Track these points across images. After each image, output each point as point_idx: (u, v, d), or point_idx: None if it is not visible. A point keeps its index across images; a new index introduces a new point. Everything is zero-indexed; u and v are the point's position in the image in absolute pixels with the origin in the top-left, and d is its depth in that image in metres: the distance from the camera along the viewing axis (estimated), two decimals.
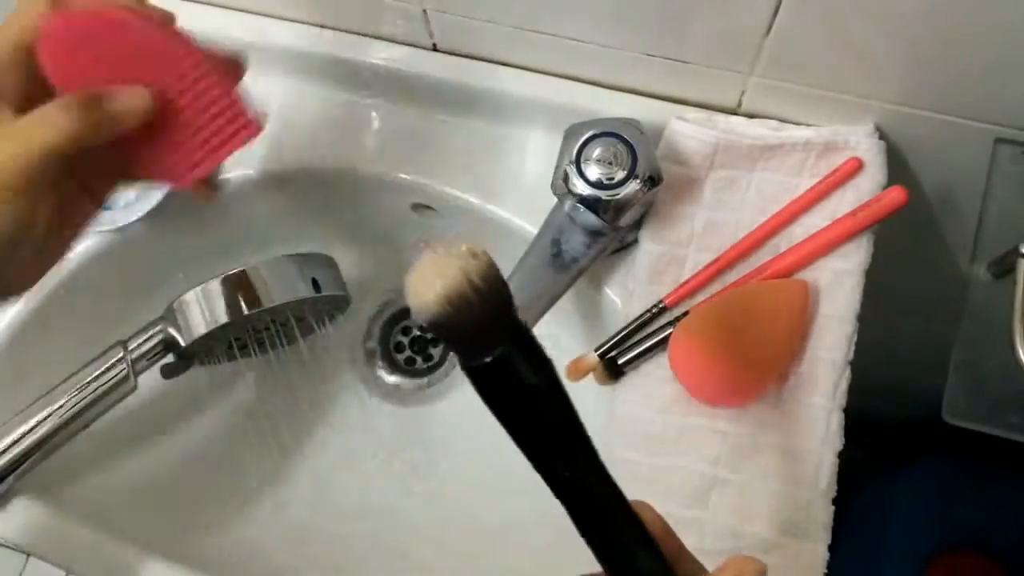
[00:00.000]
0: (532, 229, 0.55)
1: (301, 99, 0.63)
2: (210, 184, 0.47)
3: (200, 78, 0.41)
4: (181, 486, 0.66)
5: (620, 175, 0.49)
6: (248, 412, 0.70)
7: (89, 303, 0.62)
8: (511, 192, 0.60)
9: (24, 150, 0.38)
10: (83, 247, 0.61)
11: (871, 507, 0.82)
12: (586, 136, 0.50)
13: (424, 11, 0.56)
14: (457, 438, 0.70)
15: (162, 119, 0.42)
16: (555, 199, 0.52)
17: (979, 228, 0.48)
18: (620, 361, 0.53)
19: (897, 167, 0.54)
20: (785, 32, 0.47)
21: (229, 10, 0.62)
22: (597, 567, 0.32)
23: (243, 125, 0.42)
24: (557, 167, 0.51)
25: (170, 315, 0.58)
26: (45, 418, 0.54)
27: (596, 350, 0.54)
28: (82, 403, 0.54)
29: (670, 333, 0.52)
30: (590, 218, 0.50)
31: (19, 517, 0.55)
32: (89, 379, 0.55)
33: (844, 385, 0.51)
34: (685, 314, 0.52)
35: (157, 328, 0.58)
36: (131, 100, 0.41)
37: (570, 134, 0.51)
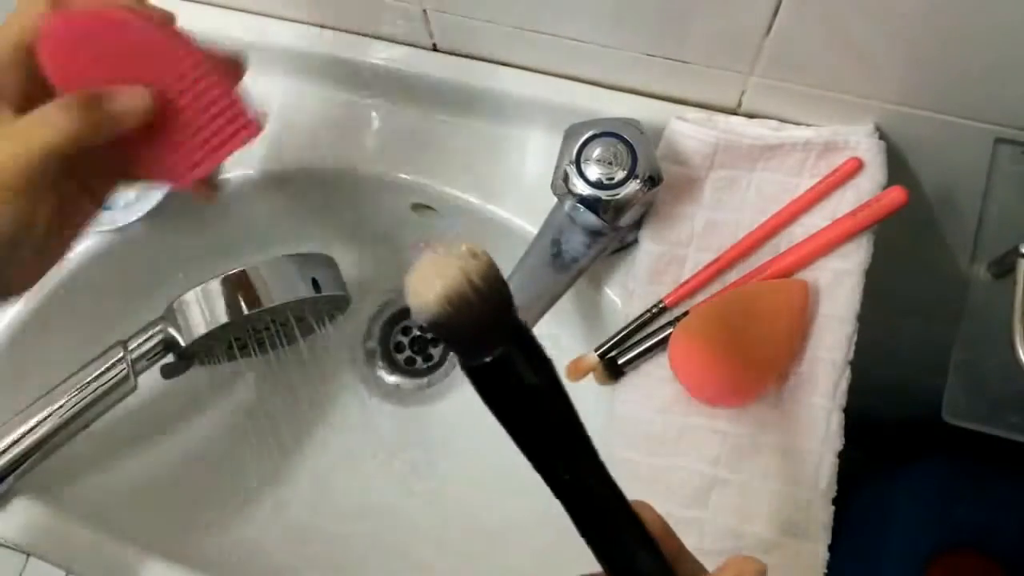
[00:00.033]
0: (532, 229, 0.55)
1: (301, 99, 0.63)
2: (210, 184, 0.47)
3: (200, 78, 0.41)
4: (181, 486, 0.66)
5: (620, 175, 0.49)
6: (248, 412, 0.70)
7: (89, 303, 0.63)
8: (511, 192, 0.60)
9: (24, 150, 0.38)
10: (83, 247, 0.61)
11: (871, 507, 0.82)
12: (586, 136, 0.50)
13: (424, 11, 0.56)
14: (457, 438, 0.70)
15: (162, 119, 0.42)
16: (555, 199, 0.52)
17: (979, 228, 0.48)
18: (620, 361, 0.53)
19: (897, 167, 0.54)
20: (785, 32, 0.47)
21: (229, 10, 0.62)
22: (597, 567, 0.32)
23: (243, 125, 0.42)
24: (557, 167, 0.51)
25: (170, 315, 0.58)
26: (45, 418, 0.54)
27: (596, 350, 0.54)
28: (82, 403, 0.54)
29: (670, 333, 0.52)
30: (590, 218, 0.50)
31: (19, 517, 0.55)
32: (89, 379, 0.55)
33: (844, 385, 0.51)
34: (685, 314, 0.52)
35: (157, 328, 0.58)
36: (131, 100, 0.40)
37: (570, 134, 0.51)
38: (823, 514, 0.50)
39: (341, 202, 0.66)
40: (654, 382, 0.53)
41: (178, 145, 0.43)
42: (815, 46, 0.48)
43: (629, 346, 0.53)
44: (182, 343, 0.57)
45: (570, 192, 0.50)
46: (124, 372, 0.55)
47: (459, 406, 0.71)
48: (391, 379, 0.74)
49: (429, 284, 0.30)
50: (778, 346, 0.50)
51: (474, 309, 0.30)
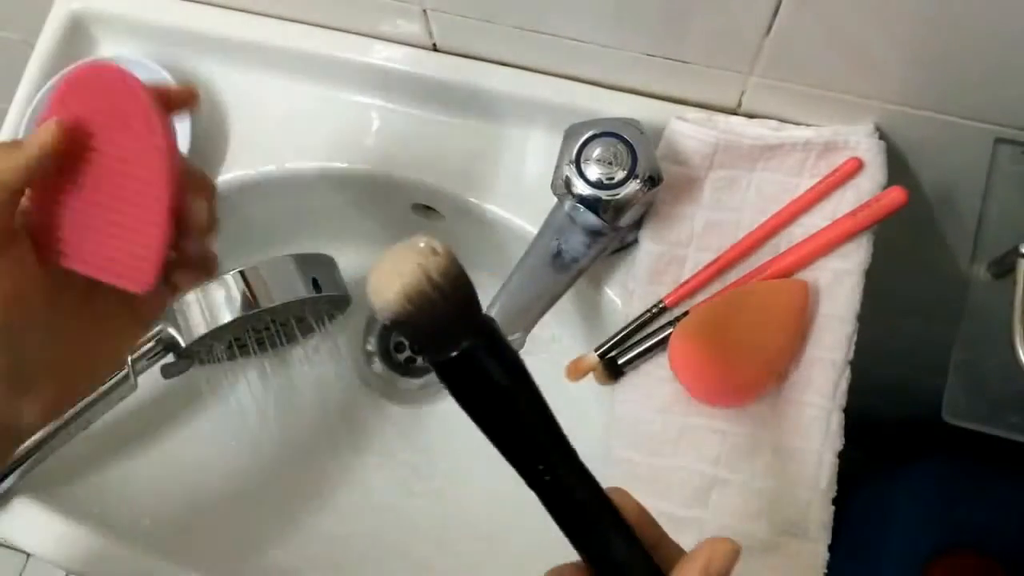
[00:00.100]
0: (532, 229, 0.55)
1: (302, 99, 0.63)
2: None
3: (154, 184, 0.36)
4: (180, 486, 0.66)
5: (620, 175, 0.49)
6: (248, 412, 0.70)
7: None
8: (511, 192, 0.60)
9: None
10: None
11: (871, 507, 0.82)
12: (586, 136, 0.50)
13: (424, 11, 0.56)
14: (457, 438, 0.70)
15: (93, 194, 0.36)
16: (555, 199, 0.52)
17: (979, 228, 0.48)
18: (620, 361, 0.53)
19: (897, 167, 0.54)
20: (785, 32, 0.47)
21: (229, 10, 0.62)
22: None
23: (137, 272, 0.36)
24: (557, 167, 0.51)
25: (170, 315, 0.58)
26: None
27: (596, 350, 0.54)
28: (82, 403, 0.54)
29: (670, 333, 0.52)
30: (590, 218, 0.50)
31: (19, 517, 0.55)
32: None
33: (844, 385, 0.51)
34: (685, 314, 0.52)
35: (157, 328, 0.58)
36: (40, 133, 0.36)
37: (570, 134, 0.51)
38: (823, 514, 0.50)
39: (341, 202, 0.66)
40: (654, 382, 0.53)
41: (82, 226, 0.37)
42: (815, 46, 0.48)
43: (629, 346, 0.53)
44: (182, 343, 0.57)
45: (570, 192, 0.50)
46: (124, 372, 0.55)
47: (458, 407, 0.71)
48: (391, 379, 0.73)
49: (389, 282, 0.30)
50: (778, 346, 0.50)
51: (435, 306, 0.30)
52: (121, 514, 0.60)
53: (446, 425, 0.71)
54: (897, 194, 0.49)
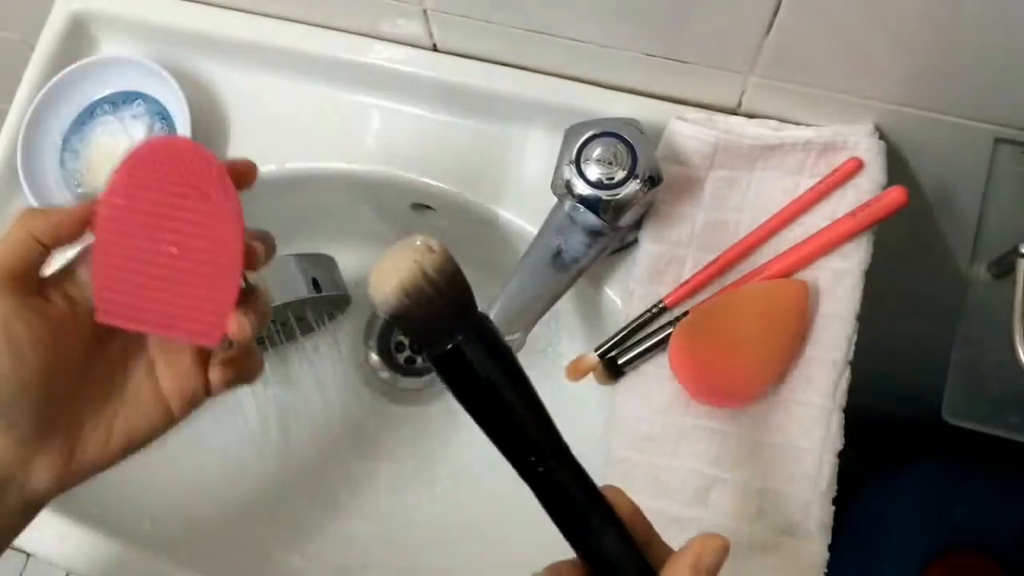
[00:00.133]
0: (532, 229, 0.55)
1: (301, 99, 0.63)
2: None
3: (229, 243, 0.37)
4: (180, 486, 0.66)
5: (620, 175, 0.49)
6: (248, 411, 0.70)
7: None
8: (511, 192, 0.60)
9: None
10: (83, 247, 0.61)
11: (871, 507, 0.82)
12: (586, 136, 0.50)
13: (424, 11, 0.56)
14: (457, 438, 0.70)
15: (162, 260, 0.38)
16: (555, 199, 0.52)
17: (979, 228, 0.48)
18: (620, 361, 0.53)
19: (897, 167, 0.54)
20: (785, 32, 0.47)
21: (229, 10, 0.62)
22: None
23: (206, 325, 0.38)
24: (557, 167, 0.51)
25: None
26: None
27: (596, 350, 0.54)
28: None
29: (670, 333, 0.52)
30: (590, 218, 0.50)
31: None
32: None
33: (844, 385, 0.51)
34: (685, 314, 0.52)
35: None
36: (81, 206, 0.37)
37: (570, 134, 0.51)
38: (823, 514, 0.50)
39: (341, 202, 0.66)
40: (654, 382, 0.53)
41: (150, 288, 0.38)
42: (815, 46, 0.48)
43: (629, 346, 0.53)
44: None
45: (570, 192, 0.50)
46: None
47: (459, 405, 0.71)
48: (391, 379, 0.73)
49: (388, 278, 0.32)
50: (778, 346, 0.50)
51: (431, 301, 0.32)
52: (121, 515, 0.60)
53: (446, 425, 0.71)
54: (897, 194, 0.49)
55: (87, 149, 0.62)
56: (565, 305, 0.55)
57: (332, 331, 0.70)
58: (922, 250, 0.64)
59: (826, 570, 0.49)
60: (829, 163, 0.52)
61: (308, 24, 0.61)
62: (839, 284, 0.51)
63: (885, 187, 0.51)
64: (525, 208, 0.59)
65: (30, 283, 0.36)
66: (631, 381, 0.53)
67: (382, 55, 0.60)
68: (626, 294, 0.55)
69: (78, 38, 0.64)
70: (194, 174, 0.37)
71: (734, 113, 0.56)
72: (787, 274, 0.52)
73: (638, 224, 0.54)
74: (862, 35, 0.46)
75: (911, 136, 0.53)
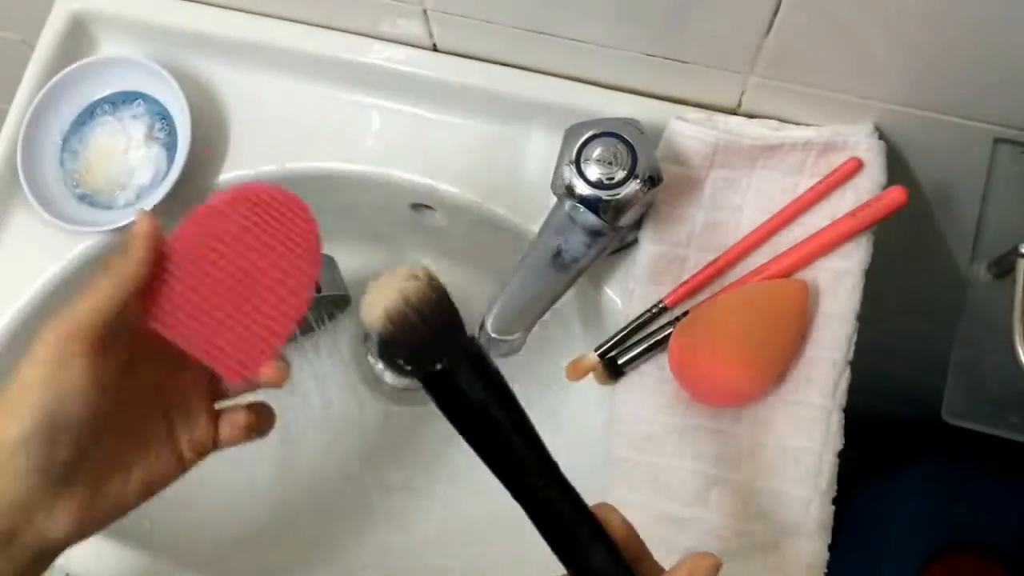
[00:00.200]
0: (532, 229, 0.55)
1: (301, 99, 0.63)
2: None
3: (298, 295, 0.40)
4: (179, 486, 0.66)
5: (620, 175, 0.49)
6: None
7: None
8: (511, 192, 0.60)
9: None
10: (83, 247, 0.61)
11: (871, 507, 0.82)
12: (586, 136, 0.50)
13: (424, 11, 0.56)
14: (457, 438, 0.70)
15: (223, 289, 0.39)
16: (555, 199, 0.52)
17: (979, 228, 0.48)
18: (620, 361, 0.53)
19: (897, 167, 0.54)
20: (785, 32, 0.47)
21: (229, 10, 0.62)
22: None
23: (246, 361, 0.40)
24: (557, 167, 0.51)
25: None
26: None
27: (596, 350, 0.54)
28: None
29: (670, 333, 0.52)
30: (590, 218, 0.50)
31: None
32: None
33: (844, 385, 0.51)
34: (685, 314, 0.52)
35: None
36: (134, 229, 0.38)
37: (570, 134, 0.51)
38: (823, 514, 0.50)
39: (341, 202, 0.66)
40: (654, 382, 0.53)
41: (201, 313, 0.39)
42: (815, 46, 0.48)
43: (629, 346, 0.53)
44: None
45: (570, 192, 0.50)
46: None
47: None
48: (391, 379, 0.73)
49: (375, 305, 0.34)
50: (778, 346, 0.50)
51: (415, 327, 0.34)
52: None
53: (446, 425, 0.71)
54: (897, 194, 0.49)
55: (86, 149, 0.62)
56: (565, 305, 0.55)
57: (332, 331, 0.70)
58: (922, 250, 0.64)
59: (826, 570, 0.49)
60: (829, 163, 0.52)
61: (308, 24, 0.61)
62: (839, 284, 0.51)
63: (885, 187, 0.51)
64: (525, 208, 0.59)
65: (109, 336, 0.37)
66: (631, 381, 0.53)
67: (382, 55, 0.60)
68: (626, 294, 0.55)
69: (78, 38, 0.64)
70: (290, 225, 0.41)
71: (734, 113, 0.56)
72: (787, 274, 0.52)
73: (638, 224, 0.54)
74: (862, 35, 0.46)
75: (911, 136, 0.53)
